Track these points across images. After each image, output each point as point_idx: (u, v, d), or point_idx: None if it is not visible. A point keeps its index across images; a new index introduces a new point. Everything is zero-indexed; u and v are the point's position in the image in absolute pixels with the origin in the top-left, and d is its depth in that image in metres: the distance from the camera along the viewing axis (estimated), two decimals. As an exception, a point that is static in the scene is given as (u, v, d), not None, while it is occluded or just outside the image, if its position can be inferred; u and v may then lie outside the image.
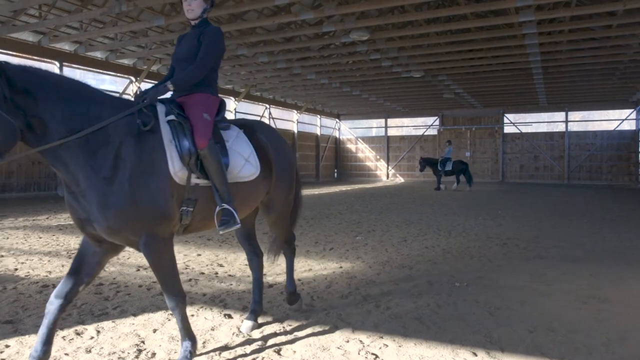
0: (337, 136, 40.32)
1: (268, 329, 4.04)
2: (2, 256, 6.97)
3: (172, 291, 3.24)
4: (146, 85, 21.92)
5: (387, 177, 37.11)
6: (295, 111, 34.27)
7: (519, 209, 14.46)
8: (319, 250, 7.68)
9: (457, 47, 17.85)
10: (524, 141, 33.02)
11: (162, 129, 3.23)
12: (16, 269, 6.17)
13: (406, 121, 38.54)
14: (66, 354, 3.50)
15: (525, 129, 33.48)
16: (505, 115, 33.69)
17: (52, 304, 3.08)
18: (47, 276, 5.82)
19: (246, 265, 6.49)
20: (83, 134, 2.91)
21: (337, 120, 39.95)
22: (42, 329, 3.07)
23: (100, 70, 20.07)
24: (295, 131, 34.57)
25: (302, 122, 35.33)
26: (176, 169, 3.17)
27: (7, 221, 10.80)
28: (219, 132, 3.60)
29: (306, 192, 22.73)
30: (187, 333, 3.34)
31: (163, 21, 14.60)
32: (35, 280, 5.63)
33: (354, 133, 39.76)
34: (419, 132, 36.74)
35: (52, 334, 3.10)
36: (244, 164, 3.59)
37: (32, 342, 3.71)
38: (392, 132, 38.11)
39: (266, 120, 31.11)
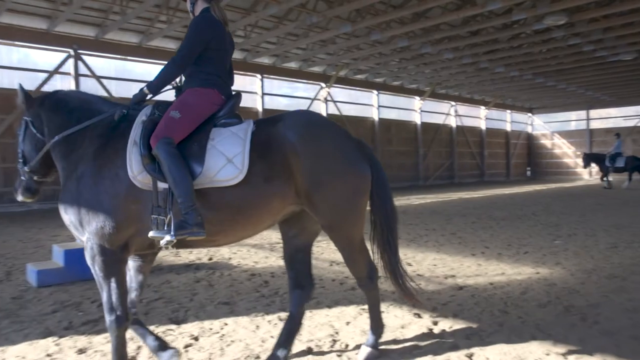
0: (530, 131, 37.38)
1: (459, 332, 3.92)
2: (219, 247, 8.04)
3: (108, 308, 2.99)
4: (335, 90, 23.13)
5: (590, 175, 33.11)
6: (482, 107, 32.74)
7: None
8: (511, 253, 7.21)
9: (682, 20, 15.11)
10: None
11: (132, 132, 3.05)
12: (230, 258, 7.05)
13: (613, 111, 33.93)
14: (272, 337, 3.87)
15: None
16: None
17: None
18: (254, 266, 6.53)
19: (434, 265, 6.43)
20: (58, 139, 3.18)
21: (529, 114, 37.07)
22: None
23: (294, 79, 21.81)
24: (483, 128, 33.03)
25: (490, 119, 33.61)
26: (135, 173, 2.92)
27: (222, 216, 12.39)
28: (209, 129, 3.15)
29: (496, 191, 21.55)
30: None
31: (350, 27, 15.25)
32: (245, 268, 6.37)
33: (549, 127, 36.42)
34: (630, 124, 32.01)
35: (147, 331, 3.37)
36: (223, 165, 2.97)
37: (245, 322, 4.20)
38: (595, 124, 33.96)
39: (452, 119, 30.34)
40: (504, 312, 4.41)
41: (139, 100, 3.27)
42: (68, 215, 3.03)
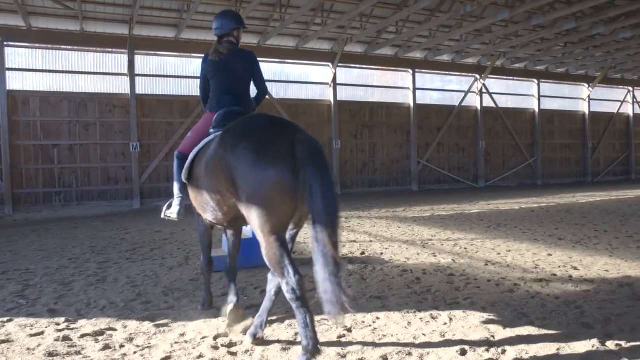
0: None
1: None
2: (371, 241, 8.15)
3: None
4: (490, 81, 21.90)
5: None
6: (669, 91, 28.29)
7: None
8: None
9: None
10: None
11: None
12: (381, 254, 7.11)
13: None
14: (423, 334, 3.82)
15: None
16: None
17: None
18: (405, 262, 6.49)
19: (606, 271, 5.76)
20: None
21: None
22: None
23: (447, 72, 21.11)
24: (670, 115, 28.52)
25: (679, 104, 28.86)
26: None
27: (374, 211, 12.58)
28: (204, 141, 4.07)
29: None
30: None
31: (507, 14, 14.27)
32: (396, 264, 6.36)
33: None
34: None
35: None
36: (186, 169, 4.09)
37: (397, 318, 4.19)
38: None
39: (629, 106, 26.79)
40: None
41: None
42: None
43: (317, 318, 4.20)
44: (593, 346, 3.51)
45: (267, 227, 3.15)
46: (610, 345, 3.53)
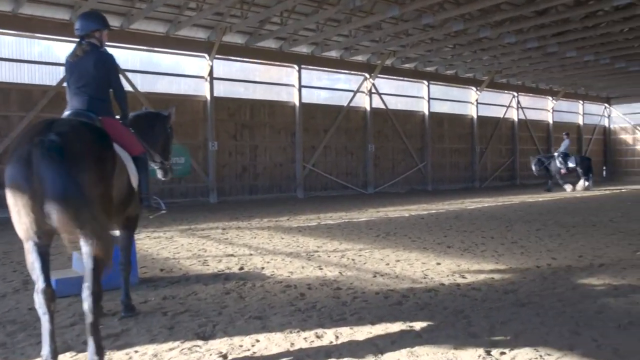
0: (607, 125, 36.10)
1: (522, 356, 3.78)
2: (251, 255, 8.10)
3: None
4: (380, 81, 22.95)
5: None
6: (550, 98, 31.88)
7: None
8: (584, 265, 6.95)
9: None
10: None
11: None
12: (262, 268, 7.09)
13: None
14: (308, 356, 3.85)
15: None
16: None
17: None
18: (289, 276, 6.54)
19: (492, 278, 6.28)
20: None
21: (605, 105, 35.86)
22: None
23: (335, 70, 21.81)
24: (550, 122, 32.12)
25: (558, 111, 32.66)
26: None
27: (255, 221, 12.55)
28: None
29: (565, 194, 20.90)
30: None
31: (397, 11, 15.11)
32: (279, 279, 6.38)
33: (631, 120, 35.01)
34: None
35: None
36: None
37: (278, 339, 4.19)
38: (686, 116, 32.40)
39: (514, 111, 29.67)
40: (575, 334, 4.24)
41: None
42: None
43: (188, 345, 4.08)
44: (479, 356, 3.80)
45: (19, 233, 3.51)
46: (495, 354, 3.84)
